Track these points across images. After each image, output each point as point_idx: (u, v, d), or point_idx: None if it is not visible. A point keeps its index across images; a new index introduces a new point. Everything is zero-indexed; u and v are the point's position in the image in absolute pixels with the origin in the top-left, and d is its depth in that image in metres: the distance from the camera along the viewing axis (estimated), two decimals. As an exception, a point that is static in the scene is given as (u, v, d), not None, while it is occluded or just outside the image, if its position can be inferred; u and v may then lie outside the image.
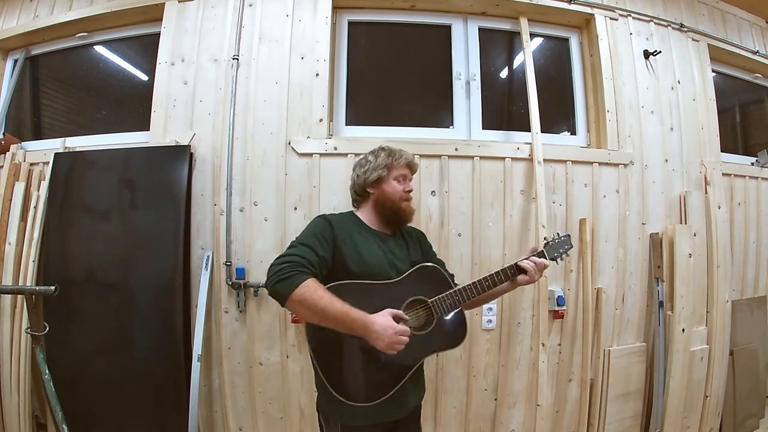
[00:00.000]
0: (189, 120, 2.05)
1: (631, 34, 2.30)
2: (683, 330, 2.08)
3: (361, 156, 1.39)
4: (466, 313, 1.27)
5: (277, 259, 1.08)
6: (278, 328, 1.97)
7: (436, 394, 1.99)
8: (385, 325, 1.02)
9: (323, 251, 1.13)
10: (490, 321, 2.02)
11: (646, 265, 2.20)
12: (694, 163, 2.33)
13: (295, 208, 1.98)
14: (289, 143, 2.00)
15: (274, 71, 2.05)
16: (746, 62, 2.70)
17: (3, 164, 2.25)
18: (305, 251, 1.10)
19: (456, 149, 2.05)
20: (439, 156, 2.03)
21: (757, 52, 2.64)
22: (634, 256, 2.17)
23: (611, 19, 2.28)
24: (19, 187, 2.15)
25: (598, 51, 2.22)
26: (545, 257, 1.27)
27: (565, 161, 2.12)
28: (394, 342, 1.02)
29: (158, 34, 2.13)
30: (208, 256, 1.96)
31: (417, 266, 1.22)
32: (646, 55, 2.29)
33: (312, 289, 1.02)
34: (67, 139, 2.23)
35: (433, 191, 2.03)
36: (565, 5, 2.23)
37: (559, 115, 2.39)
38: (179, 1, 2.14)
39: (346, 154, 2.00)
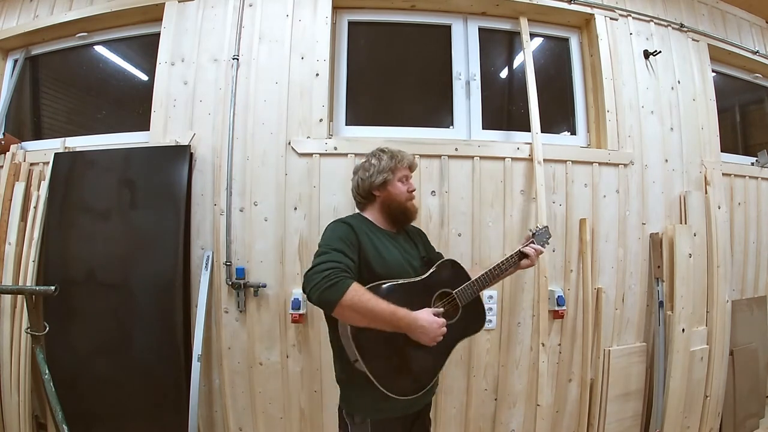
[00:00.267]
0: (189, 120, 2.05)
1: (631, 34, 2.30)
2: (683, 330, 2.08)
3: (363, 159, 1.40)
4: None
5: (314, 267, 1.08)
6: (278, 328, 1.97)
7: (436, 394, 1.99)
8: (430, 320, 1.11)
9: (353, 255, 1.16)
10: (490, 321, 2.02)
11: (646, 265, 2.20)
12: (694, 163, 2.33)
13: (295, 208, 1.98)
14: (289, 143, 2.00)
15: (274, 71, 2.05)
16: (746, 62, 2.70)
17: (3, 164, 2.25)
18: (340, 256, 1.11)
19: (456, 149, 2.05)
20: (439, 156, 2.03)
21: (757, 52, 2.64)
22: (634, 256, 2.17)
23: (611, 19, 2.28)
24: (19, 187, 2.15)
25: (598, 51, 2.22)
26: (535, 243, 1.43)
27: (565, 161, 2.12)
28: (438, 334, 1.11)
29: (158, 34, 2.13)
30: (208, 256, 1.96)
31: (439, 262, 1.31)
32: (646, 55, 2.29)
33: (360, 293, 1.04)
34: (67, 139, 2.23)
35: (433, 191, 2.03)
36: (565, 5, 2.23)
37: (559, 115, 2.39)
38: (179, 1, 2.14)
39: (346, 154, 2.00)
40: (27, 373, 2.03)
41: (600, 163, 2.15)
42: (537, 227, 1.49)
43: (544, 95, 2.20)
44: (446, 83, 2.25)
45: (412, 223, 1.47)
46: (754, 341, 2.42)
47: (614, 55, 2.24)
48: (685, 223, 2.21)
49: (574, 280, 2.10)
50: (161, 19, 2.13)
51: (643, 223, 2.19)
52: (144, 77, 2.39)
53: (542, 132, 2.09)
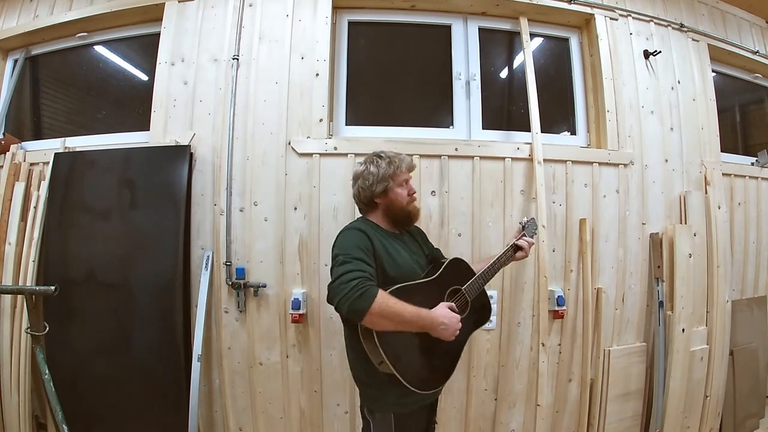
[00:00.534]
0: (189, 120, 2.05)
1: (631, 34, 2.30)
2: (683, 330, 2.08)
3: (361, 165, 1.39)
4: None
5: (339, 277, 1.09)
6: (278, 328, 1.97)
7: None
8: (449, 315, 1.17)
9: (371, 261, 1.19)
10: (490, 321, 2.02)
11: (646, 265, 2.20)
12: (694, 163, 2.33)
13: (295, 208, 1.98)
14: (289, 143, 2.00)
15: (274, 71, 2.05)
16: (746, 62, 2.70)
17: (3, 164, 2.25)
18: (362, 265, 1.14)
19: (456, 149, 2.05)
20: (439, 156, 2.03)
21: (757, 52, 2.64)
22: (634, 256, 2.17)
23: (611, 19, 2.28)
24: (19, 187, 2.15)
25: (598, 51, 2.22)
26: (525, 235, 1.51)
27: (565, 161, 2.12)
28: (457, 328, 1.18)
29: (158, 34, 2.13)
30: (208, 256, 1.96)
31: (446, 261, 1.35)
32: (646, 55, 2.29)
33: (386, 299, 1.08)
34: (67, 139, 2.23)
35: (433, 191, 2.03)
36: (565, 5, 2.23)
37: (559, 115, 2.39)
38: (179, 1, 2.14)
39: (346, 154, 2.00)
40: (27, 373, 2.03)
41: (600, 163, 2.15)
42: (525, 220, 1.57)
43: (544, 95, 2.19)
44: (446, 83, 2.25)
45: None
46: (754, 341, 2.42)
47: (614, 55, 2.24)
48: (685, 223, 2.21)
49: (574, 280, 2.10)
50: (161, 19, 2.13)
51: (643, 223, 2.19)
52: (144, 77, 2.39)
53: (542, 132, 2.09)
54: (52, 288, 1.53)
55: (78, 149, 2.17)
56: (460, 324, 1.20)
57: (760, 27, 2.77)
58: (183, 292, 1.92)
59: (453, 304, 1.25)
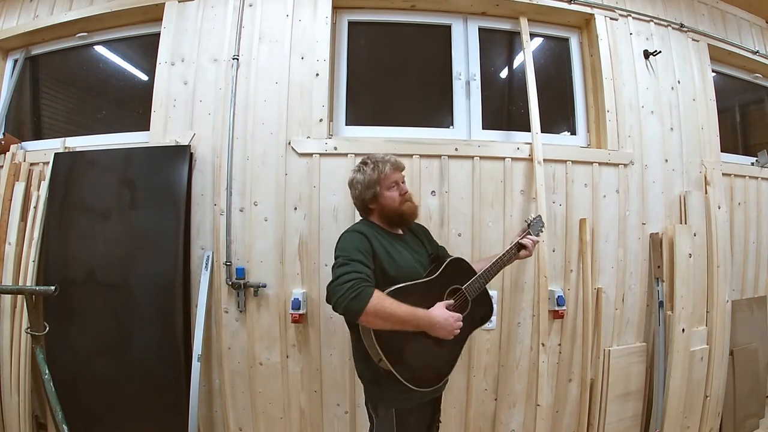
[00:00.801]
0: (189, 120, 2.05)
1: (631, 34, 2.30)
2: (683, 330, 2.08)
3: (351, 175, 1.43)
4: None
5: (337, 278, 1.14)
6: (278, 328, 1.97)
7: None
8: (446, 315, 1.19)
9: (369, 263, 1.22)
10: (490, 321, 2.01)
11: (646, 265, 2.20)
12: (694, 163, 2.33)
13: (295, 208, 1.98)
14: (289, 143, 2.00)
15: (274, 71, 2.05)
16: (746, 62, 2.70)
17: (3, 164, 2.25)
18: (359, 266, 1.17)
19: (456, 149, 2.05)
20: (439, 156, 2.03)
21: (757, 52, 2.64)
22: (634, 256, 2.17)
23: (611, 19, 2.28)
24: (19, 187, 2.15)
25: (598, 51, 2.22)
26: (530, 233, 1.52)
27: (565, 161, 2.12)
28: (455, 328, 1.20)
29: (158, 34, 2.13)
30: (208, 256, 1.96)
31: (447, 261, 1.35)
32: (646, 55, 2.29)
33: (381, 300, 1.12)
34: (67, 139, 2.23)
35: (433, 191, 2.03)
36: (565, 5, 2.23)
37: (559, 115, 2.39)
38: (179, 1, 2.14)
39: (346, 154, 2.00)
40: (27, 373, 2.03)
41: (600, 163, 2.15)
42: (531, 217, 1.59)
43: (544, 95, 2.19)
44: (446, 83, 2.25)
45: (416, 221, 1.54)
46: (754, 341, 2.42)
47: (614, 55, 2.24)
48: (685, 223, 2.21)
49: (574, 280, 2.10)
50: (161, 19, 2.13)
51: (643, 223, 2.19)
52: (144, 77, 2.39)
53: (542, 132, 2.09)
54: (52, 288, 1.53)
55: (78, 149, 2.17)
56: (458, 323, 1.21)
57: (760, 27, 2.77)
58: (183, 292, 1.92)
59: (451, 302, 1.27)
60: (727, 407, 2.28)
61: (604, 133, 2.20)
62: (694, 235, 2.18)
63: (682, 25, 2.42)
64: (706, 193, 2.29)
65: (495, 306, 2.01)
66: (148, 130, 2.08)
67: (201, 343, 1.89)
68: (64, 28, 2.33)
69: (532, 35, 2.27)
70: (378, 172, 1.36)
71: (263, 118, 2.02)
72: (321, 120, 2.02)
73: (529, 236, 1.49)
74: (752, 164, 2.64)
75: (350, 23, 2.25)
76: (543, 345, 1.95)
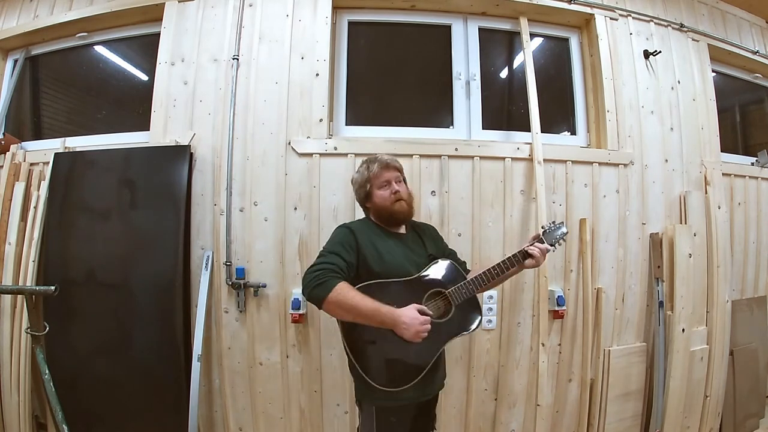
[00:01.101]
0: (189, 120, 2.05)
1: (631, 34, 2.30)
2: (683, 330, 2.08)
3: (353, 175, 1.50)
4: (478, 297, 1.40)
5: (310, 268, 1.21)
6: (278, 328, 1.97)
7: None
8: (411, 316, 1.17)
9: (349, 256, 1.26)
10: (490, 321, 2.02)
11: (646, 265, 2.20)
12: (694, 163, 2.33)
13: (295, 208, 1.98)
14: (289, 143, 2.00)
15: (274, 71, 2.05)
16: (746, 62, 2.70)
17: (3, 164, 2.25)
18: (334, 258, 1.23)
19: (456, 149, 2.05)
20: (439, 156, 2.03)
21: (757, 52, 2.64)
22: (634, 256, 2.17)
23: (611, 19, 2.28)
24: (19, 187, 2.15)
25: (598, 51, 2.22)
26: (544, 242, 1.39)
27: (565, 161, 2.12)
28: (420, 331, 1.16)
29: (158, 34, 2.13)
30: (208, 256, 1.96)
31: (433, 262, 1.34)
32: (646, 55, 2.29)
33: (344, 291, 1.15)
34: (67, 139, 2.23)
35: (433, 191, 2.03)
36: (565, 5, 2.23)
37: (559, 115, 2.39)
38: (179, 1, 2.14)
39: (346, 154, 2.00)
40: (27, 373, 2.03)
41: (600, 163, 2.15)
42: (549, 224, 1.45)
43: (544, 95, 2.19)
44: (446, 83, 2.25)
45: (425, 223, 1.58)
46: (754, 341, 2.42)
47: (614, 55, 2.24)
48: (685, 223, 2.21)
49: (574, 280, 2.10)
50: (161, 19, 2.13)
51: (643, 223, 2.19)
52: (144, 77, 2.39)
53: (542, 132, 2.09)
54: (52, 288, 1.53)
55: (78, 149, 2.17)
56: (425, 327, 1.17)
57: (760, 27, 2.77)
58: (183, 292, 1.92)
59: (423, 307, 1.23)
60: (727, 407, 2.28)
61: (604, 133, 2.20)
62: (694, 235, 2.18)
63: (682, 25, 2.42)
64: (706, 193, 2.29)
65: (495, 306, 2.02)
66: (148, 130, 2.08)
67: (201, 343, 1.89)
68: (64, 28, 2.32)
69: (532, 35, 2.27)
70: (368, 171, 1.39)
71: (263, 118, 2.02)
72: (321, 120, 2.02)
73: (537, 244, 1.36)
74: (752, 164, 2.64)
75: (350, 23, 2.25)
76: (543, 345, 1.95)
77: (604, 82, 2.20)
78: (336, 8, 2.17)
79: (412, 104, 2.36)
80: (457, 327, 1.32)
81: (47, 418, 2.08)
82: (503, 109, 2.41)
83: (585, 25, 2.33)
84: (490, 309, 2.02)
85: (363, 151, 1.97)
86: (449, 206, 2.02)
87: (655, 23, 2.36)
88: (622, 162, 2.17)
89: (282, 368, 1.97)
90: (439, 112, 2.29)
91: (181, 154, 1.98)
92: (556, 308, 2.02)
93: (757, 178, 2.59)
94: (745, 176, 2.53)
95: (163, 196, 1.97)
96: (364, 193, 1.42)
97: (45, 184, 2.10)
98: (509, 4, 2.21)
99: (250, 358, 1.97)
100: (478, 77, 2.24)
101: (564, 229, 1.45)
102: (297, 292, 1.94)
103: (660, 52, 2.28)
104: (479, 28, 2.29)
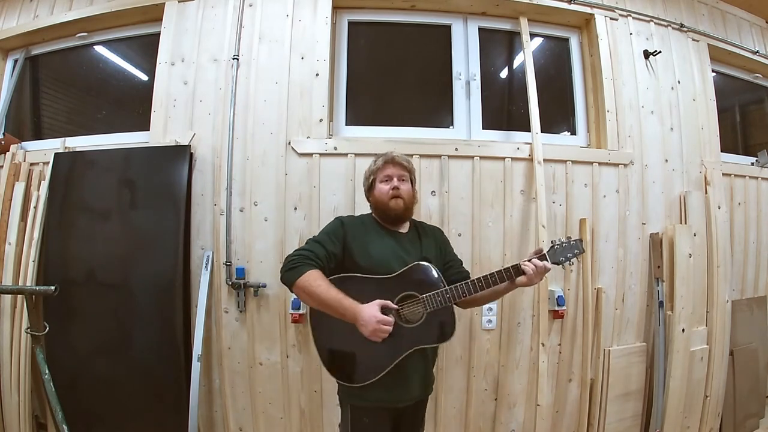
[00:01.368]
0: (189, 120, 2.05)
1: (631, 34, 2.30)
2: (683, 330, 2.08)
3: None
4: (467, 311, 1.34)
5: (289, 254, 1.26)
6: (278, 328, 1.97)
7: (436, 393, 1.99)
8: (371, 313, 1.14)
9: (332, 247, 1.28)
10: (490, 321, 2.02)
11: (646, 265, 2.20)
12: (694, 163, 2.33)
13: (295, 208, 1.98)
14: (289, 143, 2.00)
15: (274, 71, 2.05)
16: (746, 62, 2.70)
17: (3, 164, 2.25)
18: (315, 246, 1.27)
19: (456, 149, 2.05)
20: (439, 156, 2.03)
21: (757, 52, 2.64)
22: (634, 256, 2.17)
23: (611, 19, 2.28)
24: (19, 187, 2.15)
25: (598, 51, 2.22)
26: (547, 260, 1.24)
27: (565, 161, 2.12)
28: (378, 331, 1.13)
29: (158, 34, 2.13)
30: (208, 256, 1.96)
31: (412, 264, 1.27)
32: (646, 55, 2.29)
33: (313, 279, 1.18)
34: (67, 139, 2.23)
35: (433, 191, 2.03)
36: (565, 5, 2.23)
37: (559, 115, 2.39)
38: (179, 1, 2.14)
39: (346, 154, 2.00)
40: (27, 373, 2.03)
41: (600, 163, 2.15)
42: (563, 240, 1.29)
43: (544, 95, 2.19)
44: (446, 83, 2.25)
45: (434, 225, 1.56)
46: (754, 341, 2.42)
47: (614, 55, 2.24)
48: (685, 223, 2.21)
49: (574, 280, 2.10)
50: (161, 19, 2.13)
51: (643, 223, 2.19)
52: (144, 77, 2.39)
53: (542, 132, 2.09)
54: (52, 288, 1.53)
55: (78, 149, 2.17)
56: (384, 327, 1.12)
57: (760, 27, 2.77)
58: (183, 292, 1.92)
59: (391, 304, 1.18)
60: (727, 407, 2.28)
61: (604, 133, 2.20)
62: (694, 235, 2.18)
63: (682, 25, 2.42)
64: (706, 193, 2.29)
65: (494, 306, 2.01)
66: (148, 130, 2.08)
67: (201, 343, 1.88)
68: (64, 28, 2.32)
69: (532, 35, 2.27)
70: (375, 164, 1.41)
71: (263, 118, 2.02)
72: (321, 120, 2.02)
73: (536, 260, 1.22)
74: (752, 164, 2.64)
75: (350, 23, 2.25)
76: (543, 345, 1.95)
77: (604, 82, 2.20)
78: (336, 8, 2.17)
79: (412, 104, 2.36)
80: (427, 336, 1.24)
81: (47, 418, 2.08)
82: (503, 109, 2.41)
83: (585, 25, 2.34)
84: (490, 309, 2.02)
85: (363, 151, 1.97)
86: (449, 206, 2.02)
87: (655, 23, 2.36)
88: (622, 162, 2.17)
89: (282, 368, 1.97)
90: (439, 112, 2.29)
91: (181, 154, 1.98)
92: (556, 308, 2.02)
93: (757, 178, 2.59)
94: (745, 176, 2.53)
95: (163, 196, 1.97)
96: (367, 186, 1.43)
97: (45, 184, 2.10)
98: (509, 4, 2.21)
99: (250, 358, 1.97)
100: (478, 77, 2.24)
101: (578, 250, 1.27)
102: (297, 292, 1.94)
103: (660, 52, 2.28)
104: (479, 28, 2.29)
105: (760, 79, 2.83)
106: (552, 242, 1.29)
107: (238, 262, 1.97)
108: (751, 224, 2.52)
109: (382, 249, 1.30)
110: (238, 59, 2.05)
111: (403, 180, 1.37)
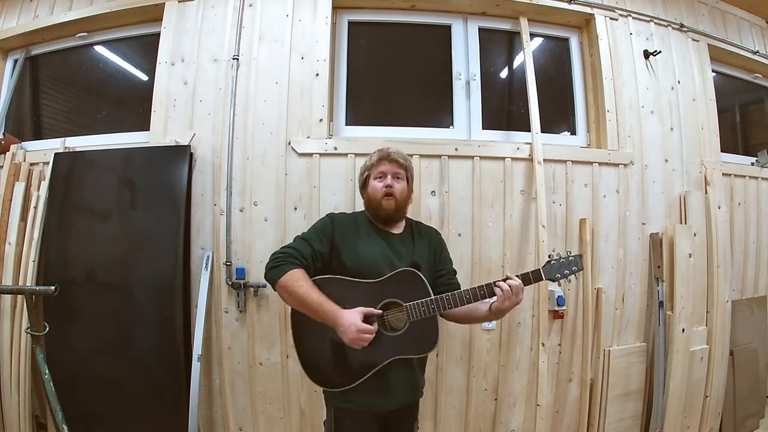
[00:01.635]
0: (189, 120, 2.05)
1: (631, 34, 2.30)
2: (683, 330, 2.08)
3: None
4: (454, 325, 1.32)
5: (276, 251, 1.23)
6: (278, 328, 1.97)
7: (436, 394, 1.99)
8: (351, 321, 1.10)
9: (319, 246, 1.25)
10: (490, 321, 2.02)
11: (646, 265, 2.20)
12: (694, 163, 2.33)
13: (295, 208, 1.98)
14: (289, 143, 2.00)
15: (274, 71, 2.05)
16: (746, 62, 2.70)
17: (3, 164, 2.25)
18: (301, 245, 1.24)
19: (456, 149, 2.05)
20: (439, 156, 2.03)
21: (757, 52, 2.64)
22: (634, 256, 2.17)
23: (611, 19, 2.28)
24: (19, 187, 2.15)
25: (598, 51, 2.22)
26: (542, 277, 1.20)
27: (565, 161, 2.12)
28: (357, 339, 1.10)
29: (158, 34, 2.13)
30: (208, 256, 1.96)
31: (398, 270, 1.22)
32: (646, 55, 2.29)
33: (295, 278, 1.15)
34: (67, 139, 2.23)
35: (433, 191, 2.03)
36: (565, 5, 2.23)
37: (559, 115, 2.39)
38: (179, 1, 2.14)
39: (346, 154, 2.00)
40: (27, 373, 2.03)
41: (600, 163, 2.15)
42: (562, 255, 1.22)
43: (544, 95, 2.19)
44: (446, 83, 2.25)
45: (433, 227, 1.49)
46: (754, 341, 2.42)
47: (614, 55, 2.24)
48: (685, 223, 2.21)
49: (574, 280, 2.09)
50: (161, 19, 2.13)
51: (643, 223, 2.19)
52: (144, 77, 2.39)
53: (542, 132, 2.09)
54: (52, 288, 1.53)
55: (78, 149, 2.17)
56: (364, 335, 1.09)
57: (760, 27, 2.77)
58: (183, 292, 1.92)
59: (374, 311, 1.15)
60: (727, 407, 2.28)
61: (604, 133, 2.20)
62: (694, 235, 2.18)
63: (682, 25, 2.42)
64: (706, 193, 2.29)
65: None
66: (148, 130, 2.08)
67: (201, 343, 1.88)
68: (64, 28, 2.32)
69: (532, 35, 2.27)
70: (369, 161, 1.37)
71: (263, 118, 2.02)
72: (321, 120, 2.02)
73: (510, 281, 1.16)
74: (752, 164, 2.64)
75: (350, 23, 2.25)
76: (543, 345, 1.95)
77: (604, 82, 2.20)
78: (336, 8, 2.17)
79: (412, 104, 2.36)
80: (407, 346, 1.19)
81: (47, 418, 2.08)
82: (503, 109, 2.41)
83: (585, 25, 2.33)
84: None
85: (363, 151, 1.97)
86: (449, 206, 2.02)
87: (655, 23, 2.36)
88: (622, 162, 2.17)
89: (282, 368, 1.97)
90: (439, 112, 2.29)
91: (181, 154, 1.98)
92: (556, 308, 2.02)
93: (757, 178, 2.59)
94: (745, 176, 2.53)
95: (163, 196, 1.97)
96: (361, 182, 1.38)
97: (45, 184, 2.10)
98: (509, 4, 2.21)
99: (250, 358, 1.97)
100: (478, 77, 2.24)
101: (577, 267, 1.20)
102: (297, 292, 1.93)
103: (660, 52, 2.28)
104: (479, 28, 2.29)
105: (760, 79, 2.83)
106: (549, 256, 1.23)
107: (238, 262, 1.97)
108: (751, 224, 2.52)
109: (371, 250, 1.25)
110: (238, 59, 2.05)
111: (398, 178, 1.31)
